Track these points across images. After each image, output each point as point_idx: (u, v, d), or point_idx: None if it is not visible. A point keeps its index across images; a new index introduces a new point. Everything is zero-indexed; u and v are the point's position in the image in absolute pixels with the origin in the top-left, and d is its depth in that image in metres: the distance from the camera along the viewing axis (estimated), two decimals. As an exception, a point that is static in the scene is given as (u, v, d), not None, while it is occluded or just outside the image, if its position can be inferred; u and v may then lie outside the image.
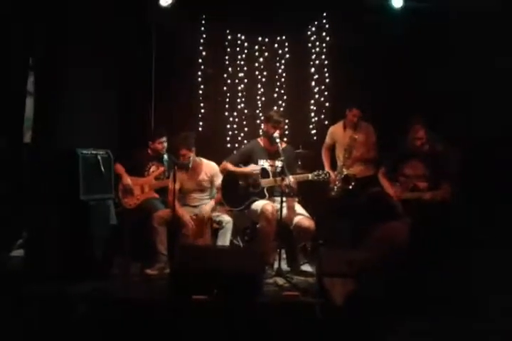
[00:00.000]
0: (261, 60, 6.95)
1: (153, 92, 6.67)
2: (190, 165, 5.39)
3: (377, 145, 5.90)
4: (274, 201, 5.18)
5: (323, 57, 6.87)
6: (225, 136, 6.91)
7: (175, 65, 6.72)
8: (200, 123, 6.90)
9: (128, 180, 5.64)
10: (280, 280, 4.73)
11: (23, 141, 5.67)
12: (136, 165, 5.79)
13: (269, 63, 6.96)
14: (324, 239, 5.72)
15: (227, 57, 6.94)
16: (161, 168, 5.78)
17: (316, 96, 6.88)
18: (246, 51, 6.94)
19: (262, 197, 5.22)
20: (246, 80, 6.95)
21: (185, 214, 5.24)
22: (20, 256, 5.05)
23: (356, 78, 6.44)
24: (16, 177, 5.34)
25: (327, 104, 6.84)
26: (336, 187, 5.64)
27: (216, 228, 5.32)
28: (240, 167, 5.37)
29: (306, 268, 5.32)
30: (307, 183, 5.16)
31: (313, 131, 6.84)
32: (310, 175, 5.04)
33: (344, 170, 5.66)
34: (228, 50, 6.93)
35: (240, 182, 5.33)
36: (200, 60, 6.91)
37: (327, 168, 5.88)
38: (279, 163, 5.16)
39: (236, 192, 5.32)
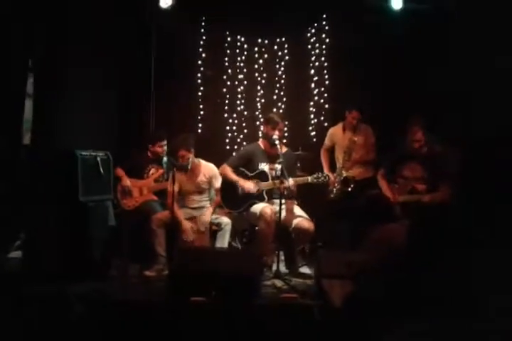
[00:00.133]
0: (260, 61, 6.96)
1: (153, 93, 6.67)
2: (189, 167, 5.38)
3: (376, 147, 5.90)
4: (273, 203, 5.16)
5: (323, 58, 6.87)
6: (225, 137, 6.91)
7: (174, 66, 6.73)
8: (200, 125, 6.90)
9: (127, 181, 5.64)
10: (278, 283, 4.73)
11: (23, 143, 5.68)
12: (135, 167, 5.78)
13: (269, 65, 6.96)
14: (323, 240, 5.71)
15: (226, 59, 6.95)
16: (161, 170, 5.77)
17: (316, 97, 6.89)
18: (245, 53, 6.95)
19: (261, 199, 5.21)
20: (245, 82, 6.96)
21: (184, 221, 5.23)
22: (18, 257, 5.04)
23: (356, 80, 6.44)
24: (15, 178, 5.33)
25: (326, 106, 6.84)
26: (335, 189, 5.64)
27: (215, 230, 5.31)
28: (240, 171, 5.35)
29: (305, 270, 5.31)
30: (306, 185, 5.15)
31: (313, 133, 6.84)
32: (309, 178, 5.04)
33: (343, 172, 5.66)
34: (228, 51, 6.94)
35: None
36: (199, 62, 6.92)
37: (326, 170, 5.87)
38: (278, 166, 5.14)
39: (235, 195, 5.31)
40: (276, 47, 6.94)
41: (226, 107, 6.94)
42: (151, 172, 5.78)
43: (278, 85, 6.95)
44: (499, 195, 4.51)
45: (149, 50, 6.62)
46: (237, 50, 6.94)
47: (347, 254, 4.28)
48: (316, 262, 4.74)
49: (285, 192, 4.98)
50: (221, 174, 5.42)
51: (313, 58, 6.90)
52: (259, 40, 6.94)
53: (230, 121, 6.93)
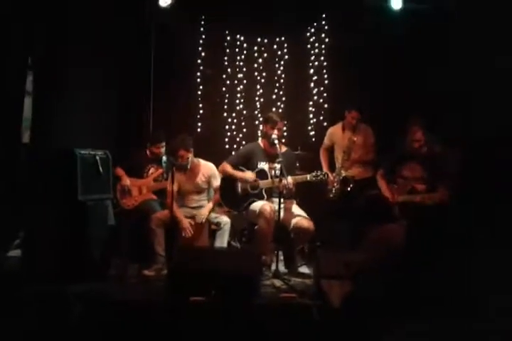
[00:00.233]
0: (260, 61, 6.96)
1: (152, 93, 6.68)
2: (188, 167, 5.38)
3: (375, 148, 5.90)
4: (272, 202, 5.17)
5: (322, 58, 6.88)
6: (224, 136, 6.92)
7: (174, 65, 6.73)
8: (199, 124, 6.91)
9: (127, 180, 5.65)
10: (277, 282, 4.72)
11: (22, 141, 5.67)
12: (134, 167, 5.79)
13: (268, 64, 6.96)
14: (322, 240, 5.71)
15: (226, 58, 6.95)
16: (160, 170, 5.78)
17: (315, 97, 6.89)
18: (245, 52, 6.96)
19: (261, 198, 5.22)
20: (245, 81, 6.96)
21: (184, 221, 5.23)
22: (17, 256, 5.04)
23: (355, 79, 6.45)
24: (14, 177, 5.33)
25: (326, 106, 6.85)
26: (334, 188, 5.64)
27: (214, 229, 5.32)
28: (240, 169, 5.36)
29: (304, 269, 5.32)
30: (305, 185, 5.15)
31: (312, 133, 6.85)
32: (308, 176, 5.04)
33: (342, 171, 5.67)
34: (227, 50, 6.95)
35: (239, 183, 5.33)
36: (199, 61, 6.92)
37: (325, 169, 5.87)
38: (277, 166, 5.13)
39: (234, 194, 5.32)
40: (275, 46, 6.94)
41: (225, 106, 6.95)
42: (150, 171, 5.79)
43: (277, 85, 6.96)
44: (498, 196, 4.52)
45: (149, 49, 6.61)
46: (237, 50, 6.94)
47: (346, 254, 4.29)
48: (315, 262, 4.75)
49: (284, 192, 4.98)
50: (221, 171, 5.43)
51: (312, 58, 6.91)
52: (259, 40, 6.95)
53: (230, 120, 6.94)
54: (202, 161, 5.54)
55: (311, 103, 6.91)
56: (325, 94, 6.86)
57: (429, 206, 4.87)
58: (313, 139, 6.77)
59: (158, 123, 6.58)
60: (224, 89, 6.94)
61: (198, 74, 6.93)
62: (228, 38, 6.93)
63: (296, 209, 5.22)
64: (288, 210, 5.16)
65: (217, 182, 5.45)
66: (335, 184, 5.62)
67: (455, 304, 3.19)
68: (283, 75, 6.95)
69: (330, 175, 5.33)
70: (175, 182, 5.11)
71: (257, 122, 6.90)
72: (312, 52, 6.91)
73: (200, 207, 5.44)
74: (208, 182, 5.47)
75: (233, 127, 6.93)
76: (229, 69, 6.94)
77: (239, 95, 6.96)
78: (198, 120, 6.91)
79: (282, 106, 6.93)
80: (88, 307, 3.93)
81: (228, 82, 6.94)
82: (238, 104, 6.95)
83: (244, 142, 6.72)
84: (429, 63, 6.08)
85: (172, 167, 5.20)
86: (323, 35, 6.85)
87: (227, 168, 5.36)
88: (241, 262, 4.27)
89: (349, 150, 5.75)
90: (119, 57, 6.39)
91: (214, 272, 4.12)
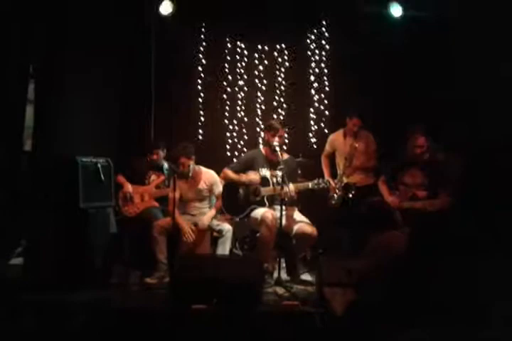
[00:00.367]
0: (261, 67, 6.98)
1: (153, 100, 6.69)
2: (190, 174, 5.38)
3: (377, 154, 5.90)
4: (274, 210, 5.16)
5: (323, 65, 6.91)
6: (225, 144, 6.93)
7: (175, 72, 6.74)
8: (200, 132, 6.92)
9: (130, 187, 5.67)
10: (280, 290, 4.71)
11: (24, 149, 5.68)
12: (136, 174, 5.80)
13: (269, 71, 6.98)
14: (324, 247, 5.70)
15: (226, 65, 6.97)
16: (161, 177, 5.80)
17: (316, 104, 6.91)
18: (246, 59, 6.98)
19: (262, 205, 5.21)
20: (246, 88, 6.98)
21: (185, 225, 5.22)
22: (19, 264, 5.03)
23: (356, 86, 6.46)
24: (16, 185, 5.34)
25: (327, 112, 6.87)
26: (335, 195, 5.64)
27: (216, 237, 5.31)
28: (241, 175, 5.37)
29: (306, 277, 5.29)
30: (307, 192, 5.15)
31: (313, 140, 6.86)
32: (310, 184, 5.03)
33: (344, 178, 5.66)
34: (228, 57, 6.96)
35: (240, 191, 5.34)
36: (200, 68, 6.94)
37: (327, 176, 5.89)
38: (279, 173, 5.12)
39: (236, 201, 5.32)
40: (276, 53, 6.97)
41: (226, 113, 6.97)
42: (151, 178, 5.80)
43: (278, 91, 6.97)
44: (500, 202, 4.52)
45: (150, 56, 6.63)
46: (238, 57, 6.97)
47: (348, 261, 4.28)
48: (317, 269, 4.74)
49: (286, 199, 4.98)
50: (222, 177, 5.43)
51: (313, 65, 6.93)
52: (259, 47, 6.97)
53: (231, 127, 6.96)
54: (203, 169, 5.53)
55: (312, 110, 6.92)
56: (326, 101, 6.88)
57: (430, 213, 4.87)
58: (315, 146, 6.78)
59: (159, 131, 6.60)
60: (225, 96, 6.96)
61: (199, 81, 6.95)
62: (229, 45, 6.96)
63: (298, 215, 5.22)
64: (290, 217, 5.15)
65: (218, 189, 5.45)
66: (336, 191, 5.61)
67: (457, 311, 3.19)
68: (284, 82, 6.97)
69: (332, 182, 5.33)
70: (177, 189, 5.10)
71: (258, 129, 6.90)
72: (312, 58, 6.94)
73: (202, 214, 5.43)
74: (210, 189, 5.46)
75: (234, 134, 6.95)
76: (230, 76, 6.96)
77: (240, 102, 6.98)
78: (199, 127, 6.93)
79: (283, 113, 6.95)
80: (90, 315, 3.93)
81: (229, 89, 6.96)
82: (239, 111, 6.96)
83: (245, 149, 6.74)
84: (430, 70, 6.09)
85: (174, 174, 5.20)
86: (323, 42, 6.89)
87: (229, 173, 5.37)
88: (243, 270, 4.25)
89: (351, 156, 5.75)
90: (120, 64, 6.43)
91: (216, 280, 4.12)
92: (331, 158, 6.10)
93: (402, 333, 3.21)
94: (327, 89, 6.87)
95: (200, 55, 6.93)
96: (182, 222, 5.23)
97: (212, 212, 5.40)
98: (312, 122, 6.91)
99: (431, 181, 5.10)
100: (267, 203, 5.21)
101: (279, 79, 6.97)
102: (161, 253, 5.10)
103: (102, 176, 4.98)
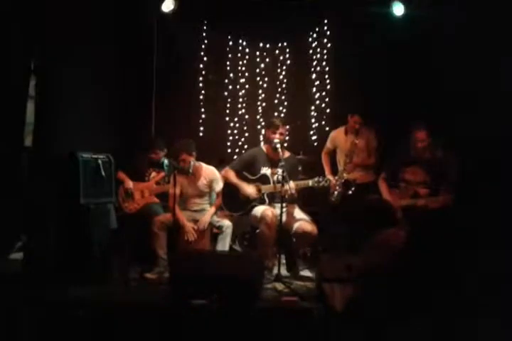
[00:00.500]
0: (262, 65, 7.00)
1: (155, 97, 6.70)
2: (190, 170, 5.38)
3: (378, 151, 5.90)
4: (274, 207, 5.17)
5: (324, 63, 6.91)
6: (226, 141, 6.94)
7: (176, 70, 6.75)
8: (201, 129, 6.93)
9: (130, 183, 5.71)
10: (279, 286, 4.71)
11: (24, 145, 5.68)
12: (136, 171, 5.82)
13: (271, 69, 6.99)
14: (323, 244, 5.70)
15: (228, 63, 6.98)
16: (162, 173, 5.82)
17: (317, 102, 6.91)
18: (247, 57, 6.99)
19: (262, 202, 5.22)
20: (247, 86, 6.99)
21: (188, 224, 5.23)
22: (19, 259, 5.03)
23: (357, 84, 6.46)
24: (16, 181, 5.33)
25: (328, 110, 6.87)
26: (335, 192, 5.63)
27: (216, 233, 5.32)
28: (242, 173, 5.37)
29: (306, 273, 5.31)
30: (307, 189, 5.15)
31: (314, 137, 6.86)
32: (310, 182, 5.03)
33: (344, 175, 5.66)
34: (229, 55, 6.98)
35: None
36: (201, 66, 6.95)
37: (327, 173, 5.91)
38: (280, 170, 5.12)
39: (236, 198, 5.32)
40: (277, 51, 6.98)
41: (227, 111, 6.98)
42: (152, 175, 5.82)
43: (279, 89, 6.99)
44: (501, 199, 4.52)
45: (151, 54, 6.65)
46: (239, 55, 6.99)
47: (348, 258, 4.28)
48: (316, 265, 4.74)
49: (286, 196, 4.98)
50: (223, 177, 5.43)
51: (314, 63, 6.94)
52: (261, 45, 6.99)
53: (232, 125, 6.96)
54: (204, 165, 5.54)
55: (313, 108, 6.93)
56: (327, 99, 6.88)
57: (432, 210, 4.87)
58: (316, 144, 6.78)
59: (160, 127, 6.61)
60: (226, 93, 6.97)
61: (201, 79, 6.96)
62: (230, 43, 6.97)
63: (298, 213, 5.22)
64: (290, 214, 5.16)
65: (219, 186, 5.45)
66: (337, 187, 5.61)
67: (458, 306, 3.20)
68: (285, 80, 6.99)
69: (332, 178, 5.33)
70: (177, 185, 5.11)
71: (259, 127, 6.91)
72: (314, 57, 6.95)
73: (202, 210, 5.44)
74: (210, 186, 5.47)
75: (235, 132, 6.96)
76: (231, 74, 6.97)
77: (241, 100, 6.99)
78: (201, 124, 6.94)
79: (284, 110, 6.95)
80: (90, 310, 3.93)
81: (230, 86, 6.97)
82: (240, 109, 6.98)
83: (246, 146, 6.75)
84: (432, 68, 6.08)
85: (174, 170, 5.21)
86: (325, 40, 6.88)
87: (231, 176, 5.36)
88: (243, 266, 4.25)
89: (351, 153, 5.75)
90: (122, 62, 6.41)
91: (216, 276, 4.12)
92: (332, 155, 6.11)
93: (401, 329, 3.22)
94: (328, 87, 6.87)
95: (202, 53, 6.94)
96: (183, 219, 5.23)
97: (212, 210, 5.40)
98: (313, 120, 6.91)
99: (432, 178, 5.10)
100: (267, 200, 5.22)
101: (281, 76, 6.98)
102: (160, 249, 5.11)
103: (103, 172, 4.98)
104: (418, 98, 6.06)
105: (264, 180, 5.27)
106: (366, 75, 6.40)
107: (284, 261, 5.23)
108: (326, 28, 6.89)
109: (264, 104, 6.99)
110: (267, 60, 6.99)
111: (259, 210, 5.13)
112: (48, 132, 5.70)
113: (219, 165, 5.81)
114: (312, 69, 6.95)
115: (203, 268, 4.19)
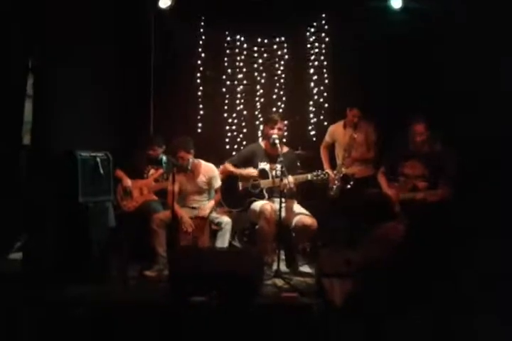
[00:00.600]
0: (260, 61, 6.96)
1: (153, 94, 6.69)
2: (189, 168, 5.38)
3: (377, 145, 5.88)
4: (273, 202, 5.16)
5: (322, 58, 6.87)
6: (224, 137, 6.92)
7: (174, 66, 6.73)
8: (200, 125, 6.91)
9: (129, 181, 5.70)
10: (279, 282, 4.71)
11: (22, 143, 5.67)
12: (134, 168, 5.81)
13: (269, 64, 6.96)
14: (322, 238, 5.69)
15: (226, 59, 6.95)
16: (160, 170, 5.81)
17: (315, 97, 6.89)
18: (245, 52, 6.96)
19: (261, 197, 5.22)
20: (245, 81, 6.97)
21: (185, 215, 5.24)
22: (18, 258, 5.03)
23: (355, 79, 6.43)
24: (15, 179, 5.33)
25: (326, 105, 6.84)
26: (334, 186, 5.62)
27: (215, 229, 5.31)
28: (240, 169, 5.37)
29: (305, 269, 5.30)
30: (306, 184, 5.14)
31: (313, 132, 6.84)
32: (309, 176, 5.03)
33: (343, 169, 5.65)
34: (227, 51, 6.95)
35: (240, 183, 5.34)
36: (199, 62, 6.93)
37: (326, 167, 5.89)
38: (278, 166, 5.10)
39: (235, 193, 5.32)
40: (275, 46, 6.94)
41: (226, 107, 6.95)
42: (150, 172, 5.81)
43: (278, 84, 6.96)
44: (500, 192, 4.51)
45: (149, 50, 6.63)
46: (237, 50, 6.95)
47: (347, 252, 4.28)
48: (316, 261, 4.73)
49: (285, 191, 4.97)
50: (222, 171, 5.43)
51: (312, 57, 6.91)
52: (259, 40, 6.95)
53: (230, 120, 6.94)
54: (203, 162, 5.53)
55: (311, 103, 6.90)
56: (325, 94, 6.85)
57: (430, 203, 4.85)
58: (314, 139, 6.75)
59: (158, 125, 6.60)
60: (224, 89, 6.94)
61: (198, 75, 6.93)
62: (228, 38, 6.94)
63: (297, 208, 5.21)
64: (289, 209, 5.15)
65: (217, 183, 5.45)
66: (335, 181, 5.60)
67: (456, 300, 3.19)
68: (283, 75, 6.95)
69: (331, 172, 5.32)
70: (176, 182, 5.10)
71: (257, 122, 6.89)
72: (312, 51, 6.90)
73: (202, 205, 5.43)
74: (209, 183, 5.47)
75: (233, 127, 6.94)
76: (229, 70, 6.95)
77: (239, 96, 6.96)
78: (199, 121, 6.92)
79: (283, 106, 6.93)
80: (89, 308, 3.93)
81: (228, 82, 6.94)
82: (238, 105, 6.95)
83: (244, 142, 6.73)
84: (430, 62, 6.05)
85: (172, 167, 5.20)
86: (322, 35, 6.85)
87: (230, 167, 5.38)
88: (242, 262, 4.26)
89: (350, 147, 5.74)
90: (119, 58, 6.40)
91: (215, 272, 4.12)
92: (331, 149, 6.09)
93: (400, 323, 3.21)
94: (326, 81, 6.84)
95: (199, 49, 6.91)
96: (181, 212, 5.24)
97: (212, 202, 5.41)
98: (311, 115, 6.88)
99: (431, 172, 5.09)
100: (266, 195, 5.21)
101: (279, 72, 6.95)
102: (160, 246, 5.11)
103: (101, 170, 4.97)
104: (417, 92, 6.04)
105: (263, 175, 5.26)
106: (364, 69, 6.37)
107: (283, 256, 5.22)
108: (323, 22, 6.84)
109: (262, 100, 6.96)
110: (265, 55, 6.95)
111: (258, 205, 5.14)
112: (46, 131, 5.69)
113: (218, 162, 5.79)
114: (310, 64, 6.91)
115: (203, 265, 4.20)
